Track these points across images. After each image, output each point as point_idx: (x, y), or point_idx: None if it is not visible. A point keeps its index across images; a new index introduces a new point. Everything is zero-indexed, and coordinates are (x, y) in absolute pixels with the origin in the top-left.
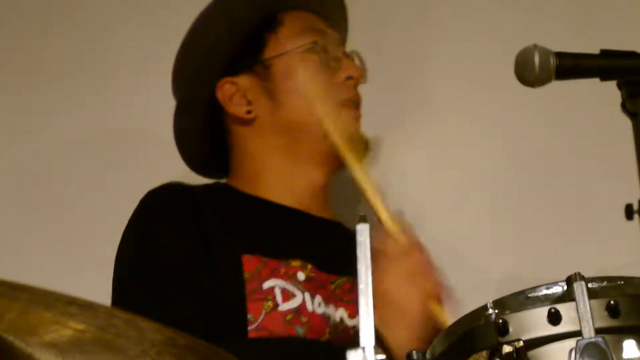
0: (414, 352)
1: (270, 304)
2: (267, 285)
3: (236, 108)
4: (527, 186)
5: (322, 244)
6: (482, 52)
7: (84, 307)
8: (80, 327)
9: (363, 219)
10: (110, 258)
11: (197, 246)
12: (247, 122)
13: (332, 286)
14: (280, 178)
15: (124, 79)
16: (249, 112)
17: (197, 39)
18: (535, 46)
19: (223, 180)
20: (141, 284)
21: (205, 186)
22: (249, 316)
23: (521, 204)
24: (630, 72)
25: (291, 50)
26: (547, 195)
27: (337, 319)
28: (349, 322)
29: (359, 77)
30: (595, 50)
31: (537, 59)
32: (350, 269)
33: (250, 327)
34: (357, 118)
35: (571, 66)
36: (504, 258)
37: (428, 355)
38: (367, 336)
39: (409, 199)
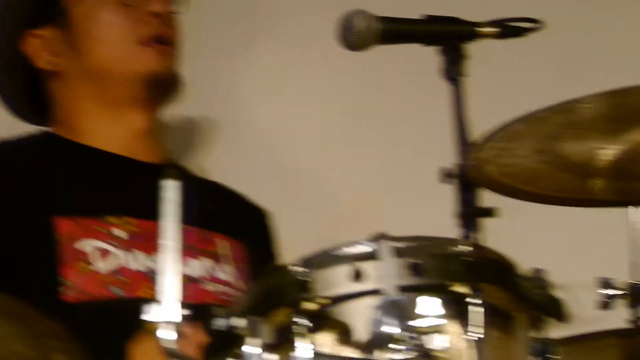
0: (220, 310)
1: (85, 265)
2: (81, 245)
3: (42, 62)
4: (348, 147)
5: (152, 191)
6: (310, 13)
7: None
8: None
9: (171, 175)
10: None
11: None
12: (56, 74)
13: None
14: (100, 125)
15: None
16: (54, 64)
17: None
18: (358, 10)
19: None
20: None
21: (25, 138)
22: (65, 280)
23: (342, 163)
24: (451, 38)
25: None
26: (367, 156)
27: None
28: (187, 270)
29: (167, 11)
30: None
31: (359, 23)
32: (186, 217)
33: (66, 292)
34: (164, 54)
35: (394, 31)
36: (320, 218)
37: (235, 312)
38: (168, 291)
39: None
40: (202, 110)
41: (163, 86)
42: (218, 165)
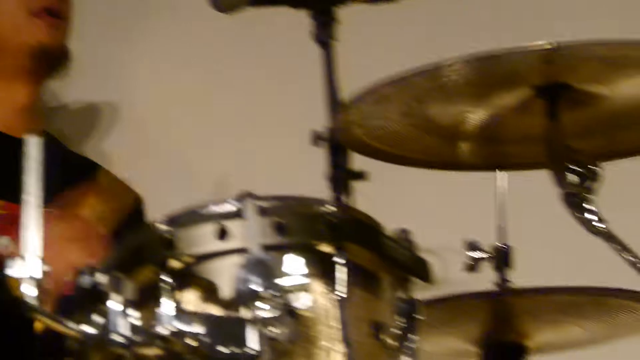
0: (84, 267)
1: None
2: None
3: None
4: (222, 110)
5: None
6: None
7: None
8: None
9: (36, 133)
10: None
11: None
12: None
13: None
14: None
15: None
16: None
17: None
18: None
19: None
20: None
21: None
22: None
23: (216, 125)
24: (322, 1)
25: None
26: (240, 120)
27: None
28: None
29: None
30: None
31: None
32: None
33: None
34: (54, 27)
35: None
36: (194, 178)
37: (100, 269)
38: (30, 246)
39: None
40: (87, 90)
41: (51, 59)
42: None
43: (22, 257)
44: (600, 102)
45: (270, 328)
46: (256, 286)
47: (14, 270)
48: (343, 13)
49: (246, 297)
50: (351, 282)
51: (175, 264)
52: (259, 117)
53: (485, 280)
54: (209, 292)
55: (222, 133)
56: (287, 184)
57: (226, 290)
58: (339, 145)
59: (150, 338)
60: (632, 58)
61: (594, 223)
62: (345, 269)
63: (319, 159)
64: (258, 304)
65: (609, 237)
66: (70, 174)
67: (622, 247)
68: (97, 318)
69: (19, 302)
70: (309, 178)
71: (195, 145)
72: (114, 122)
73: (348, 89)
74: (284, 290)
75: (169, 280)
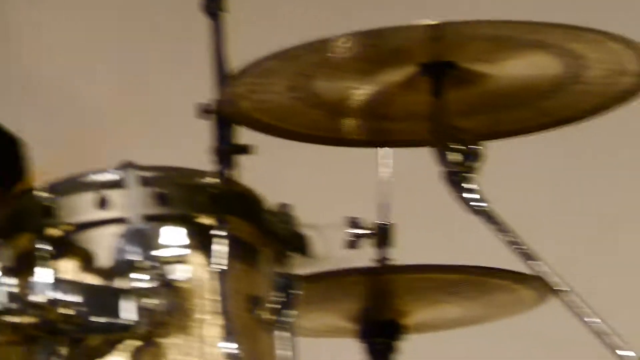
0: None
1: None
2: None
3: None
4: (110, 80)
5: None
6: None
7: None
8: None
9: None
10: None
11: None
12: None
13: None
14: None
15: None
16: None
17: None
18: None
19: None
20: None
21: None
22: None
23: (105, 94)
24: None
25: None
26: (128, 89)
27: None
28: None
29: None
30: None
31: None
32: None
33: None
34: None
35: None
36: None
37: None
38: None
39: None
40: None
41: None
42: None
43: None
44: (485, 81)
45: (147, 299)
46: (134, 256)
47: None
48: None
49: (123, 268)
50: (230, 255)
51: (53, 231)
52: (145, 88)
53: (367, 257)
54: (87, 261)
55: (108, 102)
56: (171, 155)
57: (104, 259)
58: (224, 118)
59: (24, 306)
60: (518, 38)
61: (473, 202)
62: (224, 242)
63: (205, 131)
64: (135, 274)
65: (488, 217)
66: None
67: (501, 228)
68: None
69: None
70: (194, 150)
71: (83, 111)
72: None
73: (237, 62)
74: (162, 261)
75: (47, 248)
